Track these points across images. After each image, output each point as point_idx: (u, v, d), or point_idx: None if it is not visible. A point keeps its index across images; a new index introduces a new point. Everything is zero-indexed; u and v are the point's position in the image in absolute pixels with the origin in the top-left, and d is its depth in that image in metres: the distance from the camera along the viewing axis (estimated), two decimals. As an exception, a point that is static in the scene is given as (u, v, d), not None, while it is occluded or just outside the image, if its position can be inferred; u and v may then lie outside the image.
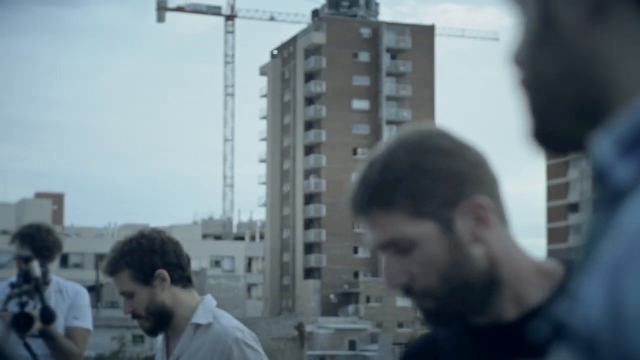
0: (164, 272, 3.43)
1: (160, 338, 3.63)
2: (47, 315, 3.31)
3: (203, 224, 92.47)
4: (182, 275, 3.49)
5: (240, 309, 56.65)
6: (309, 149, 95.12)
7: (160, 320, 3.47)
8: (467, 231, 1.58)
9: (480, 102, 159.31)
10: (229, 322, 3.52)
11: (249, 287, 77.12)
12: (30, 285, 3.19)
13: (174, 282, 3.46)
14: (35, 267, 3.12)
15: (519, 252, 1.63)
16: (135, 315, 3.46)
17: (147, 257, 3.42)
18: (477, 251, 1.58)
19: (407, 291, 1.61)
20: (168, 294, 3.45)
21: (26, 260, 3.16)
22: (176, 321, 3.48)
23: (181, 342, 3.48)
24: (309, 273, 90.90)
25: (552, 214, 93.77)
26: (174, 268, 3.47)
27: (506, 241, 1.61)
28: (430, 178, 1.57)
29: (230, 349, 3.40)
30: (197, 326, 3.46)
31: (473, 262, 1.58)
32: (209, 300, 3.56)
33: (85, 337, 4.75)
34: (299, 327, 49.46)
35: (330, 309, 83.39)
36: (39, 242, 4.48)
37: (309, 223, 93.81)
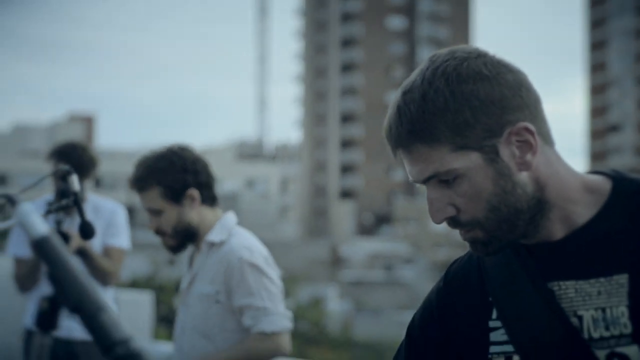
0: (195, 192, 3.37)
1: (186, 255, 3.57)
2: (87, 230, 3.08)
3: (237, 146, 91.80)
4: (210, 194, 3.42)
5: (274, 232, 56.66)
6: (345, 68, 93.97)
7: (185, 239, 3.40)
8: (513, 158, 1.53)
9: (520, 20, 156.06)
10: (240, 240, 3.41)
11: (283, 209, 77.39)
12: (69, 200, 2.96)
13: (202, 201, 3.40)
14: (75, 182, 2.92)
15: (565, 172, 1.59)
16: (160, 232, 3.39)
17: (180, 176, 3.34)
18: (523, 177, 1.54)
19: (454, 223, 1.58)
20: (195, 213, 3.38)
21: (64, 175, 2.90)
22: (200, 239, 3.43)
23: (198, 260, 3.44)
24: (345, 195, 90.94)
25: (593, 135, 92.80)
26: (204, 187, 3.39)
27: (552, 162, 1.57)
28: (471, 107, 1.52)
29: (233, 268, 3.33)
30: (212, 244, 3.40)
31: (520, 189, 1.54)
32: (228, 218, 3.46)
33: (122, 256, 4.64)
34: (334, 249, 49.89)
35: (365, 231, 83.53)
36: (76, 159, 4.44)
37: (345, 144, 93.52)
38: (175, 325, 3.54)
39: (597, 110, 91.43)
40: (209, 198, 3.41)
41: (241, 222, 3.63)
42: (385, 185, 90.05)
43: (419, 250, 66.39)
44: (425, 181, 1.56)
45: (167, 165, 3.33)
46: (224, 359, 3.29)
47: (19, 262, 4.70)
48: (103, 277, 4.49)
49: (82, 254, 4.35)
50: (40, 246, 1.25)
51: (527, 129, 1.52)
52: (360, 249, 61.05)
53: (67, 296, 1.19)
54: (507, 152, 1.52)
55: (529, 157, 1.53)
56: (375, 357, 13.46)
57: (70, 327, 4.47)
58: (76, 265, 1.24)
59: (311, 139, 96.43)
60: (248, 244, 3.39)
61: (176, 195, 3.33)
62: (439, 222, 1.57)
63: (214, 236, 3.39)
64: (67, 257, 1.24)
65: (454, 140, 1.51)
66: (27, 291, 4.65)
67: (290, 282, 21.62)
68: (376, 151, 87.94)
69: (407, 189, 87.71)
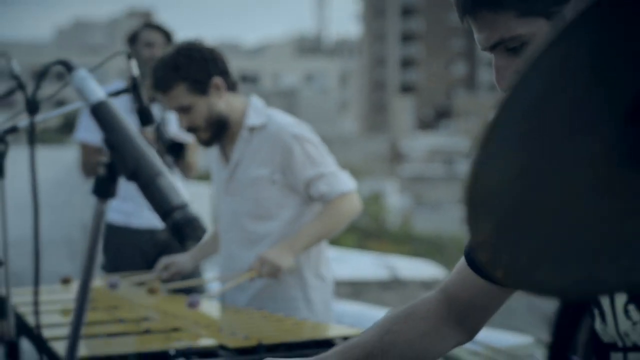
0: (219, 80, 3.37)
1: (214, 151, 3.61)
2: (145, 116, 3.02)
3: (295, 40, 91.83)
4: (231, 80, 3.42)
5: (333, 127, 57.10)
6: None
7: (219, 129, 3.41)
8: None
9: None
10: (284, 119, 3.45)
11: (343, 104, 77.55)
12: (128, 85, 2.92)
13: (227, 88, 3.41)
14: (134, 66, 2.85)
15: None
16: (192, 129, 3.39)
17: (202, 67, 3.34)
18: None
19: None
20: (223, 101, 3.39)
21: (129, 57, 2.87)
22: (231, 128, 3.44)
23: (238, 147, 3.44)
24: (405, 90, 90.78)
25: None
26: (225, 74, 3.40)
27: None
28: None
29: (290, 145, 3.36)
30: (252, 129, 3.43)
31: None
32: (257, 101, 3.49)
33: (197, 149, 4.56)
34: (393, 144, 50.20)
35: (425, 126, 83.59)
36: (136, 55, 4.36)
37: (405, 38, 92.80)
38: (221, 217, 3.58)
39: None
40: (232, 84, 3.41)
41: (300, 118, 3.65)
42: (446, 80, 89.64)
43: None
44: (492, 48, 1.52)
45: (186, 59, 3.31)
46: (316, 232, 3.36)
47: (86, 148, 4.72)
48: (189, 169, 4.54)
49: (179, 147, 4.29)
50: (97, 111, 1.22)
51: None
52: (420, 144, 61.37)
53: (124, 162, 1.16)
54: None
55: None
56: (434, 251, 13.56)
57: (153, 217, 4.48)
58: (133, 130, 1.21)
59: (371, 33, 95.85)
60: (292, 121, 3.43)
61: (202, 87, 3.33)
62: (504, 89, 1.47)
63: (253, 120, 3.41)
64: (124, 122, 1.21)
65: (519, 6, 1.46)
66: (93, 177, 4.63)
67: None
68: (437, 45, 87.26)
69: (468, 84, 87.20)
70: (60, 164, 10.29)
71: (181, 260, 3.71)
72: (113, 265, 4.56)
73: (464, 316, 1.74)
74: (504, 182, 0.91)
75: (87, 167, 4.71)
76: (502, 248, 0.93)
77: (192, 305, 3.16)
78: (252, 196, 3.41)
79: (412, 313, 1.74)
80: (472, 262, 1.71)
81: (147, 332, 2.88)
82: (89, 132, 4.66)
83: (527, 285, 0.95)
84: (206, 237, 3.62)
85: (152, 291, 3.61)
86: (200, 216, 1.11)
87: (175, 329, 2.88)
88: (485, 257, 0.94)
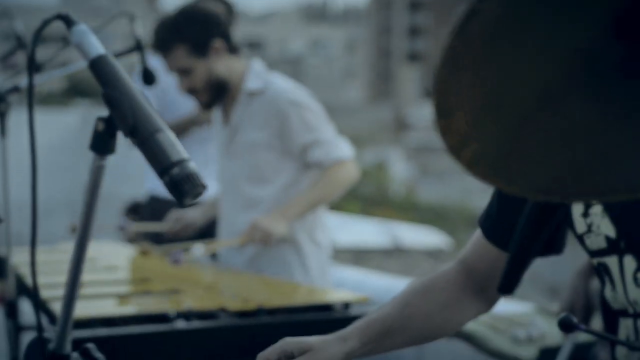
0: (219, 42, 3.34)
1: (216, 112, 3.59)
2: (148, 76, 2.99)
3: (302, 7, 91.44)
4: (232, 43, 3.38)
5: (339, 95, 56.99)
6: None
7: (218, 92, 3.39)
8: None
9: None
10: (282, 84, 3.41)
11: (348, 72, 77.27)
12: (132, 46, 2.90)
13: (228, 51, 3.38)
14: (138, 26, 2.85)
15: None
16: (192, 91, 3.36)
17: (202, 29, 3.30)
18: None
19: None
20: (223, 64, 3.36)
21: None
22: (231, 91, 3.42)
23: (238, 110, 3.42)
24: (412, 58, 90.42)
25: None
26: (226, 37, 3.36)
27: None
28: None
29: (286, 111, 3.34)
30: (252, 93, 3.40)
31: None
32: (257, 65, 3.46)
33: None
34: (399, 113, 50.04)
35: (431, 95, 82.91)
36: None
37: (413, 6, 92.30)
38: (221, 178, 3.57)
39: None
40: (232, 47, 3.38)
41: (305, 85, 3.61)
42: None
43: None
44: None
45: (187, 21, 3.28)
46: (310, 199, 3.35)
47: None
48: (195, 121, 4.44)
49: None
50: (96, 65, 1.20)
51: None
52: (425, 113, 61.01)
53: (123, 118, 1.15)
54: None
55: None
56: (438, 219, 13.57)
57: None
58: (133, 86, 1.19)
59: (378, 1, 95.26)
60: (291, 87, 3.40)
61: (202, 49, 3.30)
62: None
63: (252, 85, 3.39)
64: (124, 77, 1.19)
65: None
66: None
67: (354, 145, 21.67)
68: (445, 14, 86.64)
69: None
70: (64, 128, 10.28)
71: (192, 214, 3.71)
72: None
73: (483, 286, 1.74)
74: (477, 71, 0.92)
75: None
76: (472, 135, 0.94)
77: (175, 262, 3.16)
78: (249, 160, 3.41)
79: (431, 285, 1.74)
80: (488, 233, 1.72)
81: (146, 293, 2.88)
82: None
83: (493, 175, 0.96)
84: (217, 196, 3.68)
85: (144, 253, 3.61)
86: (199, 172, 1.09)
87: (175, 291, 2.88)
88: (452, 141, 0.95)
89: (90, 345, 1.23)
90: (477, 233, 1.76)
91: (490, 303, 1.77)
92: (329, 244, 3.58)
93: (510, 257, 1.37)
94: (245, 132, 3.42)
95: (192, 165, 1.10)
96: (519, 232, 1.37)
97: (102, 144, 1.18)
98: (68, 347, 1.19)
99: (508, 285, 1.37)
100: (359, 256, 7.90)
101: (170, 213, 3.74)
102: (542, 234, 1.37)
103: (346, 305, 2.75)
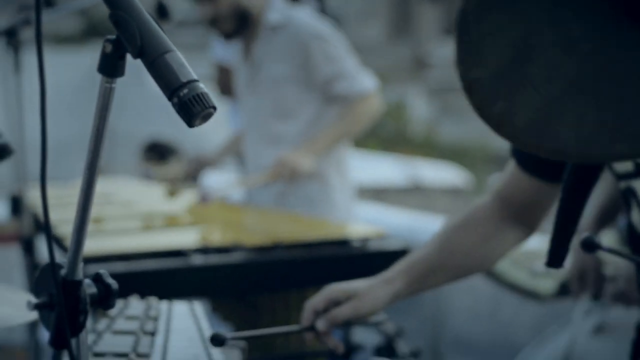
0: None
1: (239, 47, 3.58)
2: (163, 11, 3.00)
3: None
4: None
5: (357, 32, 56.55)
6: None
7: (240, 21, 3.39)
8: None
9: None
10: (304, 18, 3.41)
11: (367, 9, 76.53)
12: None
13: None
14: None
15: None
16: (214, 20, 3.37)
17: None
18: None
19: None
20: None
21: None
22: (253, 23, 3.42)
23: (260, 46, 3.43)
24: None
25: None
26: None
27: None
28: None
29: (309, 44, 3.34)
30: (274, 28, 3.41)
31: None
32: (277, 0, 3.46)
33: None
34: (419, 51, 49.63)
35: (452, 34, 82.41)
36: None
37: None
38: (244, 116, 3.58)
39: None
40: None
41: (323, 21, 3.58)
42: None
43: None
44: None
45: None
46: (336, 133, 3.34)
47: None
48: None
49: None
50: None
51: None
52: (446, 51, 60.52)
53: (131, 39, 1.11)
54: None
55: None
56: (459, 157, 13.51)
57: None
58: (141, 7, 1.15)
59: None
60: (312, 21, 3.40)
61: None
62: None
63: (273, 17, 3.38)
64: (132, -1, 1.15)
65: None
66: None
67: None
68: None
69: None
70: (80, 69, 10.26)
71: (211, 154, 3.72)
72: None
73: (521, 215, 1.75)
74: (502, 29, 0.89)
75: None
76: (500, 93, 0.90)
77: (204, 199, 3.15)
78: (273, 95, 3.40)
79: (470, 220, 1.75)
80: (521, 162, 1.71)
81: (167, 229, 2.86)
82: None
83: (524, 136, 0.93)
84: (237, 134, 3.70)
85: (171, 193, 3.61)
86: (209, 93, 1.05)
87: (196, 227, 2.87)
88: (477, 100, 0.92)
89: (103, 272, 1.20)
90: (511, 164, 1.75)
91: (529, 231, 1.77)
92: (353, 179, 3.58)
93: (554, 231, 1.38)
94: (268, 67, 3.40)
95: (202, 86, 1.06)
96: (560, 204, 1.37)
97: (110, 66, 1.15)
98: (80, 273, 1.17)
99: (556, 258, 1.39)
100: (378, 194, 7.88)
101: (189, 156, 3.76)
102: (583, 200, 1.37)
103: (364, 240, 2.73)
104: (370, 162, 7.99)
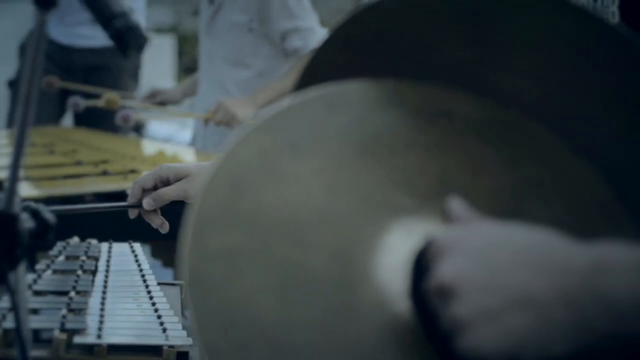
0: None
1: None
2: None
3: None
4: None
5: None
6: None
7: None
8: None
9: None
10: None
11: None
12: None
13: None
14: None
15: None
16: None
17: None
18: None
19: None
20: None
21: None
22: None
23: None
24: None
25: None
26: None
27: None
28: None
29: None
30: None
31: None
32: None
33: None
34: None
35: None
36: None
37: None
38: (200, 57, 3.55)
39: None
40: None
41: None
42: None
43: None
44: None
45: None
46: (282, 86, 3.28)
47: None
48: None
49: None
50: None
51: None
52: None
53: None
54: None
55: None
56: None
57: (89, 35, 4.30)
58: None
59: None
60: None
61: None
62: None
63: None
64: None
65: None
66: None
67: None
68: None
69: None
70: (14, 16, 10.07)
71: (169, 90, 3.70)
72: None
73: None
74: None
75: None
76: None
77: (125, 119, 3.17)
78: (228, 41, 3.38)
79: None
80: None
81: (104, 173, 2.85)
82: None
83: None
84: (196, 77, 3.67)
85: (110, 103, 3.48)
86: (140, 25, 1.05)
87: (133, 171, 2.86)
88: None
89: (41, 206, 1.20)
90: None
91: None
92: None
93: None
94: (227, 12, 3.38)
95: (135, 18, 1.06)
96: None
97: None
98: (17, 207, 1.16)
99: None
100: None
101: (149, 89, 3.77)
102: None
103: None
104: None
